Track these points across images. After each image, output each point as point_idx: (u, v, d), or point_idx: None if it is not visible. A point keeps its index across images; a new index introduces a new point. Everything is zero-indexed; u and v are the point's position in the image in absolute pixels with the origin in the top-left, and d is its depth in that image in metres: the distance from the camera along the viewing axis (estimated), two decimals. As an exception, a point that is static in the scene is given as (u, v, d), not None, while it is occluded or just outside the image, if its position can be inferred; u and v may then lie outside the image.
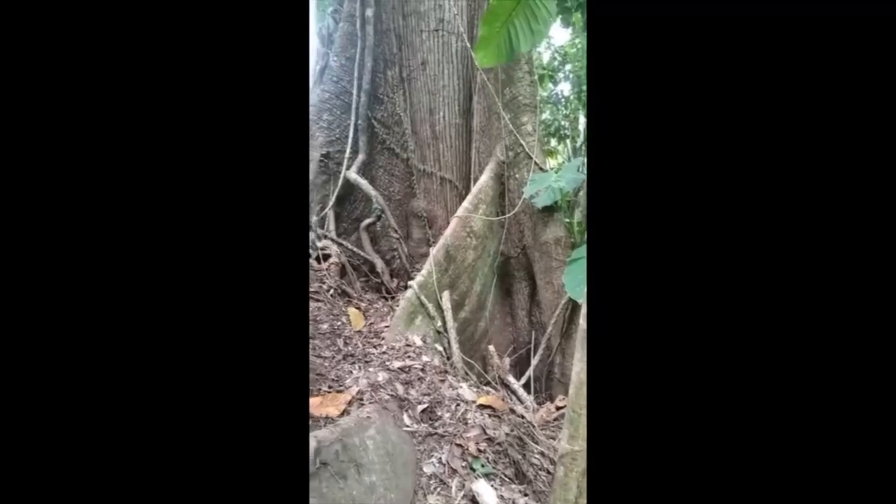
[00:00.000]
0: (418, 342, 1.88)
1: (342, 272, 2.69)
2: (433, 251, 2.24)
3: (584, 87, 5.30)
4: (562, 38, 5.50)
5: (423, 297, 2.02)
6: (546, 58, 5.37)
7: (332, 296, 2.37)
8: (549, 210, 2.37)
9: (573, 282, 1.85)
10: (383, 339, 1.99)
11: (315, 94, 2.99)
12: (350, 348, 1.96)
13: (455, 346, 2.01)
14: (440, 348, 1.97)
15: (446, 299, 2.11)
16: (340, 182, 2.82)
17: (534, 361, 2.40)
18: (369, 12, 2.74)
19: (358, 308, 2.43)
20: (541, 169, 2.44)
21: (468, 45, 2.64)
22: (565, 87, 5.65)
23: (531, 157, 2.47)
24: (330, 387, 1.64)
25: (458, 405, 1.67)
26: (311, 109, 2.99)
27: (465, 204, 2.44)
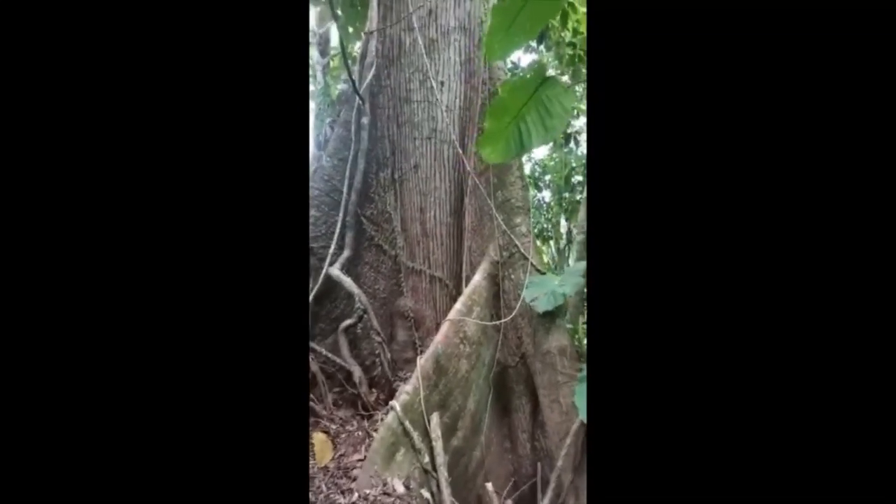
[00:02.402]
0: (399, 489, 1.46)
1: (312, 383, 2.30)
2: (420, 361, 1.93)
3: (565, 195, 5.70)
4: (541, 152, 6.09)
5: (407, 424, 1.65)
6: (528, 169, 5.85)
7: (295, 416, 1.95)
8: (550, 315, 2.16)
9: (586, 403, 1.55)
10: (355, 480, 1.55)
11: (304, 190, 2.96)
12: (311, 495, 1.51)
13: (446, 491, 1.57)
14: (427, 495, 1.53)
15: (436, 424, 1.74)
16: (321, 279, 2.61)
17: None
18: (365, 120, 2.87)
19: (326, 432, 2.00)
20: (538, 271, 2.31)
21: (460, 151, 2.73)
22: (546, 195, 6.08)
23: (527, 258, 2.35)
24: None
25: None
26: (299, 205, 2.92)
27: (458, 306, 2.22)
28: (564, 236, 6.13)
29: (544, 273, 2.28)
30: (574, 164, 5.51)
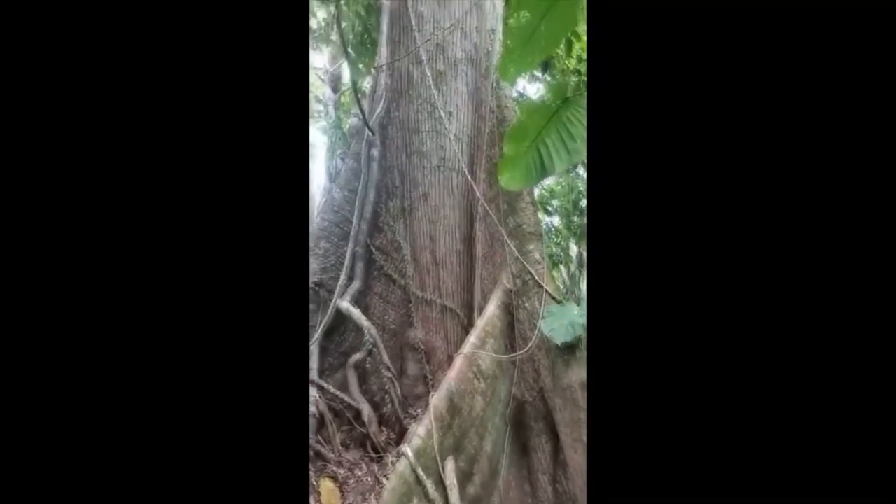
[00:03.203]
0: (414, 547, 1.32)
1: (320, 424, 2.18)
2: (433, 401, 1.82)
3: (574, 219, 5.65)
4: (548, 177, 6.08)
5: (419, 471, 1.52)
6: (536, 193, 5.83)
7: (301, 461, 1.83)
8: (569, 346, 2.05)
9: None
10: (364, 536, 1.42)
11: (315, 223, 2.95)
12: (315, 553, 1.38)
13: (465, 548, 1.42)
14: (444, 553, 1.39)
15: (451, 471, 1.61)
16: (330, 312, 2.54)
17: (570, 561, 1.74)
18: (375, 151, 2.89)
19: (334, 478, 1.87)
20: (554, 299, 2.21)
21: (469, 178, 2.71)
22: (555, 219, 6.04)
23: (542, 286, 2.26)
24: None
25: None
26: (310, 238, 2.90)
27: (472, 339, 2.12)
28: (574, 261, 6.04)
29: (561, 302, 2.18)
30: (581, 188, 5.48)
